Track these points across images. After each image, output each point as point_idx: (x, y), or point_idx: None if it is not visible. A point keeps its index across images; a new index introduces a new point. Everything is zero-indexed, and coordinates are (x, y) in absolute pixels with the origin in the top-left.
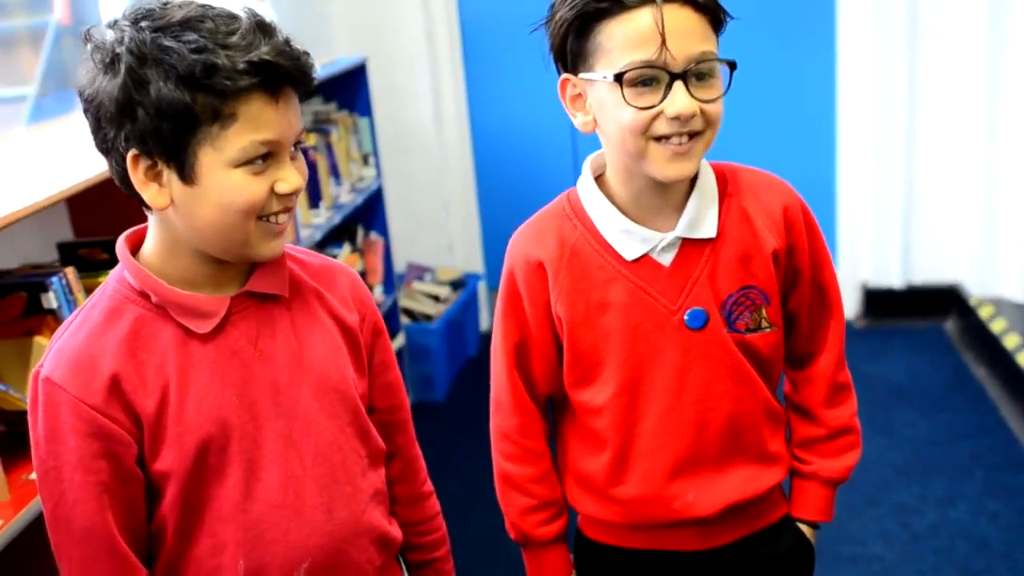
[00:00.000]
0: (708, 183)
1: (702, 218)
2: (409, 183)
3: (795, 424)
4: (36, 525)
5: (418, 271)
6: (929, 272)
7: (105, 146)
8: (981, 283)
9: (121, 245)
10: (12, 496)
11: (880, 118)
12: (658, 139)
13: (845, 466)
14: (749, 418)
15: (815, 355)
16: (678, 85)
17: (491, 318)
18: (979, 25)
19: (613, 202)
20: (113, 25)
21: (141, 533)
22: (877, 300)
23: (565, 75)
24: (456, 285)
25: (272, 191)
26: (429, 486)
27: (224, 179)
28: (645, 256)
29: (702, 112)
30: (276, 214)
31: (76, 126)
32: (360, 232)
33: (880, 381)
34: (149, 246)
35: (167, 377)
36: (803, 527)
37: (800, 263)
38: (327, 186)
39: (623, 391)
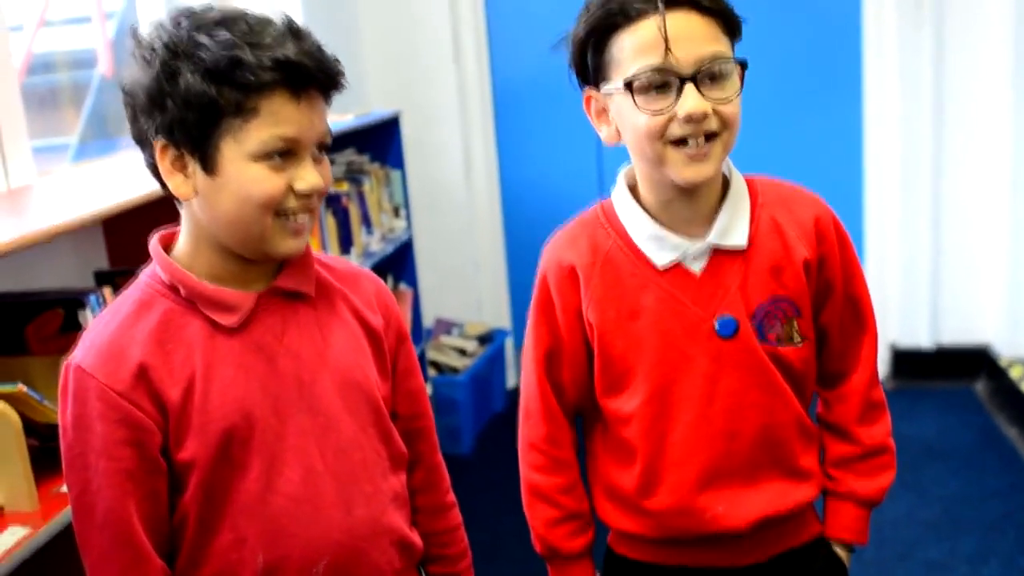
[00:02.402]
0: (740, 193)
1: (733, 227)
2: (439, 238)
3: (829, 443)
4: (64, 536)
5: (446, 326)
6: (958, 333)
7: (140, 137)
8: (1011, 344)
9: (154, 242)
10: (41, 507)
11: (907, 180)
12: (675, 144)
13: (880, 486)
14: (780, 431)
15: (849, 372)
16: (689, 87)
17: (518, 375)
18: (1004, 87)
19: (645, 210)
20: (158, 24)
21: (163, 525)
22: (906, 361)
23: (588, 91)
24: (483, 340)
25: (290, 188)
26: (452, 496)
27: (243, 171)
28: (677, 264)
29: (716, 113)
30: (295, 213)
31: (118, 162)
32: (389, 282)
33: (910, 441)
34: (180, 243)
35: (193, 368)
36: (837, 549)
37: (832, 275)
38: (358, 234)
39: (653, 398)
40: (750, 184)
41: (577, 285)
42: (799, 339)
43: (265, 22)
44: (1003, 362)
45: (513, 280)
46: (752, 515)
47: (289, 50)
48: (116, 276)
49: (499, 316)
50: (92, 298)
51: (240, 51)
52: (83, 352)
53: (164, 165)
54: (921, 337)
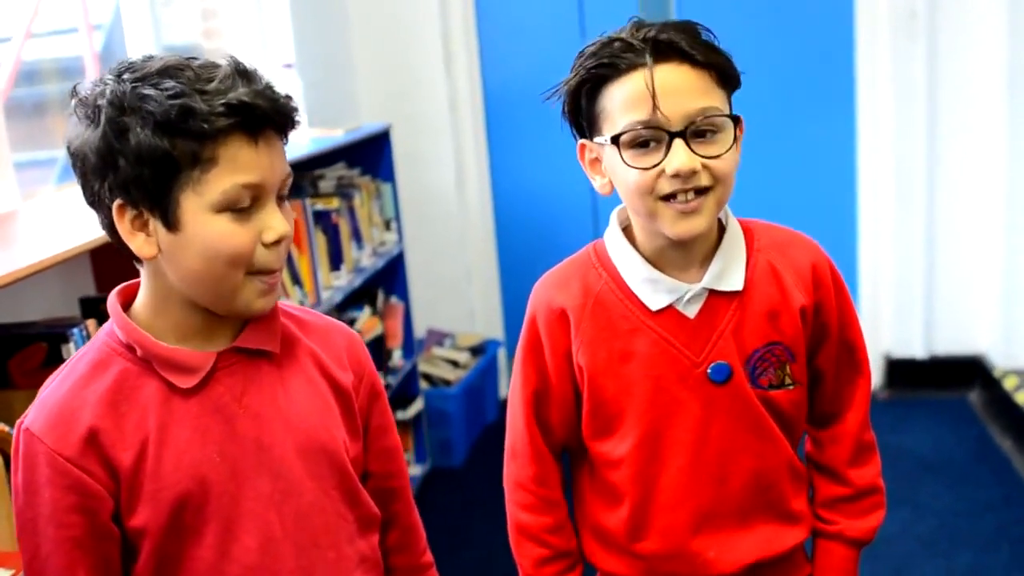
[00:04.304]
0: (735, 238)
1: (729, 271)
2: (431, 249)
3: (819, 484)
4: None
5: (438, 337)
6: (952, 343)
7: (93, 199)
8: (1005, 354)
9: (112, 299)
10: None
11: (900, 189)
12: (665, 199)
13: (870, 527)
14: (772, 474)
15: (841, 414)
16: (677, 143)
17: (510, 385)
18: (998, 96)
19: (639, 253)
20: (98, 81)
21: None
22: (900, 371)
23: (582, 140)
24: (476, 351)
25: (259, 241)
26: (429, 557)
27: (207, 224)
28: (670, 307)
29: (707, 168)
30: (266, 271)
31: None
32: (381, 296)
33: (904, 453)
34: (140, 299)
35: (147, 431)
36: None
37: (828, 320)
38: (349, 250)
39: (644, 443)
40: (746, 228)
41: (567, 328)
42: (791, 383)
43: (210, 66)
44: (997, 372)
45: (506, 290)
46: (743, 559)
47: (241, 93)
48: (102, 302)
49: (492, 327)
50: (76, 331)
51: (189, 99)
52: (34, 414)
53: (123, 226)
54: (915, 347)
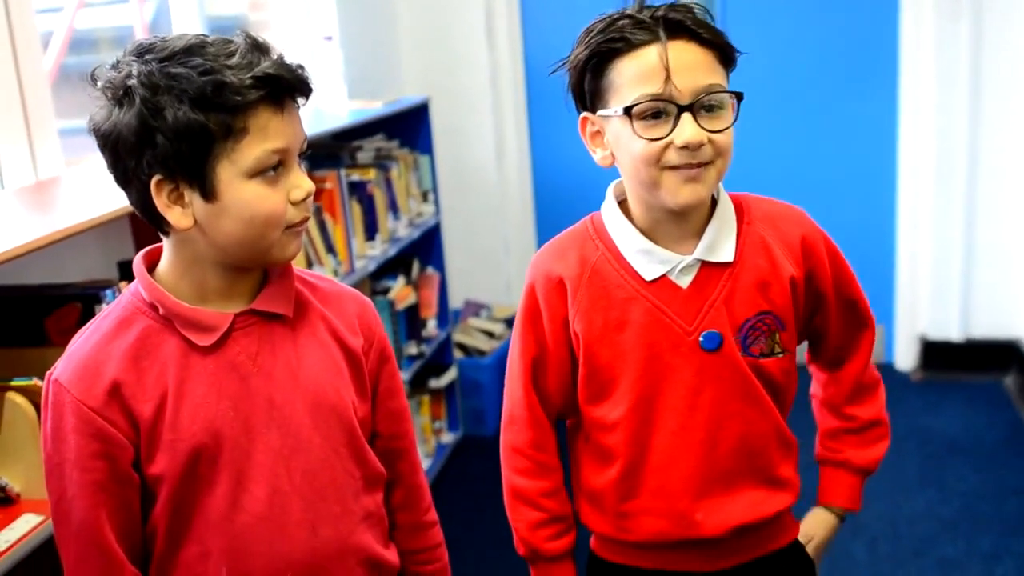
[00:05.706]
0: (727, 210)
1: (720, 243)
2: (469, 221)
3: (824, 418)
4: None
5: (475, 308)
6: (988, 326)
7: (126, 177)
8: None
9: (138, 261)
10: None
11: (941, 171)
12: (670, 168)
13: (875, 456)
14: (760, 440)
15: (845, 360)
16: (686, 116)
17: (509, 353)
18: None
19: (634, 225)
20: (116, 64)
21: (136, 534)
22: (935, 353)
23: (584, 113)
24: (511, 323)
25: (288, 200)
26: (432, 515)
27: (242, 191)
28: (663, 277)
29: (711, 142)
30: (297, 224)
31: None
32: (416, 266)
33: (935, 435)
34: (164, 263)
35: (166, 385)
36: (829, 515)
37: (823, 287)
38: (384, 220)
39: (637, 408)
40: (737, 202)
41: (564, 296)
42: (780, 351)
43: (226, 42)
44: None
45: None
46: (730, 522)
47: (266, 66)
48: None
49: None
50: (109, 293)
51: (220, 74)
52: (63, 366)
53: (161, 200)
54: (951, 329)
